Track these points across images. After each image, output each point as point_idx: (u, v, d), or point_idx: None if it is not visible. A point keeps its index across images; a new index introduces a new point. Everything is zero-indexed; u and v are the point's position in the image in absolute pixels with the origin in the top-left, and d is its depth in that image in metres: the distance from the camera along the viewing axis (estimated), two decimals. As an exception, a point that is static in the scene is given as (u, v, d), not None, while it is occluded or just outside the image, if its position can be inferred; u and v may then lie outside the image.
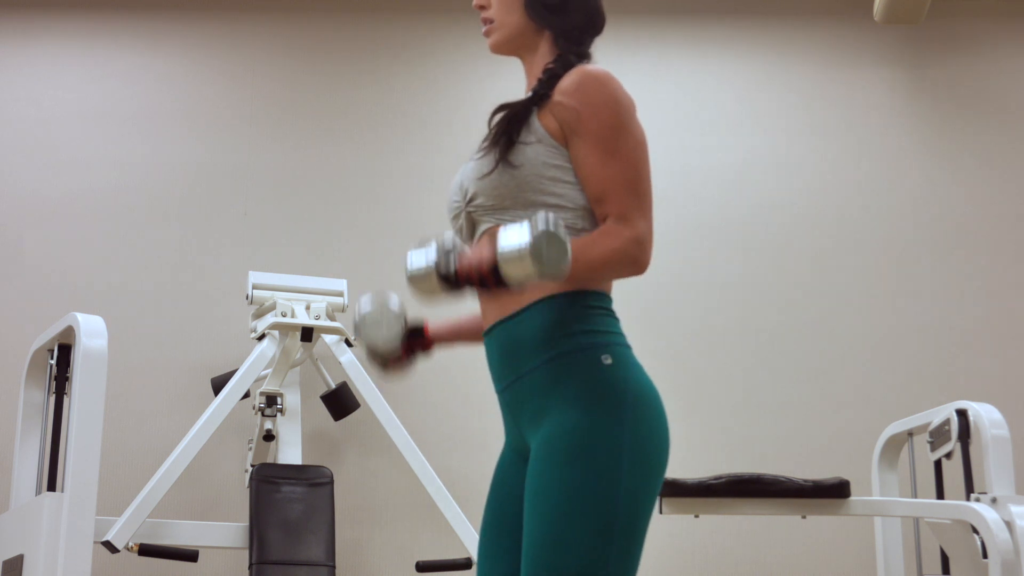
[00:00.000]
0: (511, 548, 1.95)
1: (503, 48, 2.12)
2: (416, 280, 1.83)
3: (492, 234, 1.94)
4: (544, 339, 1.89)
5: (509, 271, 1.75)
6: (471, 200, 1.98)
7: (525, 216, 1.90)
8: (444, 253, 1.82)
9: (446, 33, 5.16)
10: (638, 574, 1.85)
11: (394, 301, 2.08)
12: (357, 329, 2.07)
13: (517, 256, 1.74)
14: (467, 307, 2.09)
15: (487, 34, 2.12)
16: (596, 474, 1.80)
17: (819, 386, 4.88)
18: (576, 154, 1.94)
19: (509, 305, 1.95)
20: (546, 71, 2.03)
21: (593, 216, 1.95)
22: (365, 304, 2.07)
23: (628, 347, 1.93)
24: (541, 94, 1.99)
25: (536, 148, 1.94)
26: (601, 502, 1.79)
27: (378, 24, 5.26)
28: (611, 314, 1.95)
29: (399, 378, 2.20)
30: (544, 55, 2.08)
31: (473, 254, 1.79)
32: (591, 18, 2.10)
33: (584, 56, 2.08)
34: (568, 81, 1.97)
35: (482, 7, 2.12)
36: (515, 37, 2.10)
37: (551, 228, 1.75)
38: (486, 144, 1.99)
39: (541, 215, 1.76)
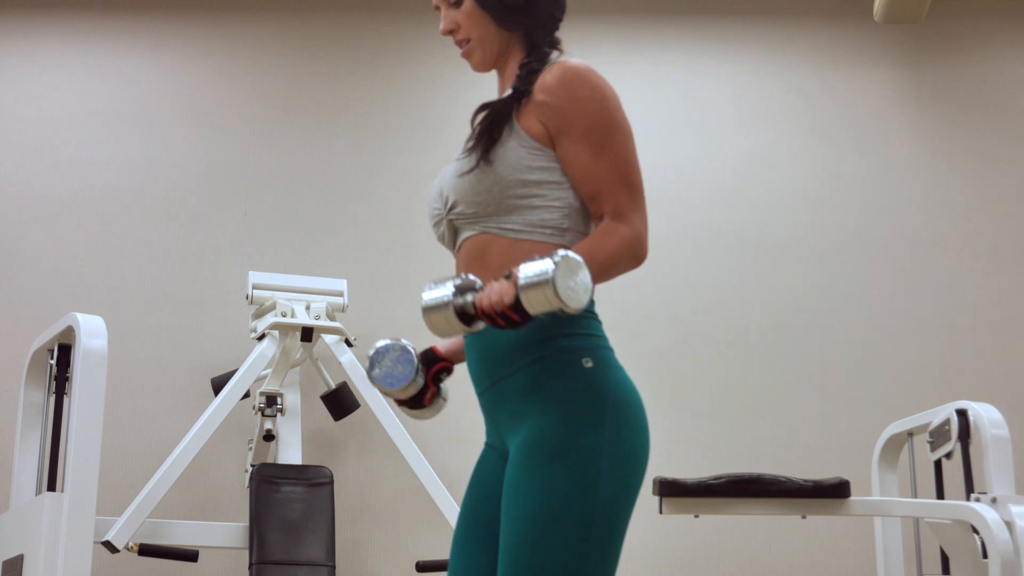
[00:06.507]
0: (484, 548, 1.93)
1: (489, 64, 2.08)
2: (431, 312, 1.79)
3: (477, 254, 1.92)
4: (524, 342, 1.87)
5: (531, 302, 1.71)
6: (452, 207, 1.96)
7: (508, 222, 1.90)
8: (461, 287, 1.79)
9: (446, 33, 5.16)
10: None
11: (399, 343, 1.98)
12: (375, 384, 1.99)
13: (539, 286, 1.70)
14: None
15: (467, 55, 2.07)
16: (574, 477, 1.79)
17: (819, 386, 4.88)
18: (565, 153, 1.92)
19: None
20: (523, 67, 2.00)
21: (582, 215, 1.94)
22: (373, 359, 1.97)
23: (610, 350, 1.91)
24: (523, 91, 1.95)
25: (517, 151, 1.92)
26: (579, 505, 1.78)
27: (378, 24, 5.26)
28: (593, 316, 1.92)
29: (434, 415, 2.11)
30: (517, 54, 2.05)
31: (492, 288, 1.76)
32: (558, 1, 2.06)
33: (555, 44, 2.04)
34: (549, 77, 1.93)
35: (451, 31, 2.08)
36: (495, 48, 2.05)
37: (574, 259, 1.72)
38: (469, 144, 1.96)
39: (562, 250, 1.74)
